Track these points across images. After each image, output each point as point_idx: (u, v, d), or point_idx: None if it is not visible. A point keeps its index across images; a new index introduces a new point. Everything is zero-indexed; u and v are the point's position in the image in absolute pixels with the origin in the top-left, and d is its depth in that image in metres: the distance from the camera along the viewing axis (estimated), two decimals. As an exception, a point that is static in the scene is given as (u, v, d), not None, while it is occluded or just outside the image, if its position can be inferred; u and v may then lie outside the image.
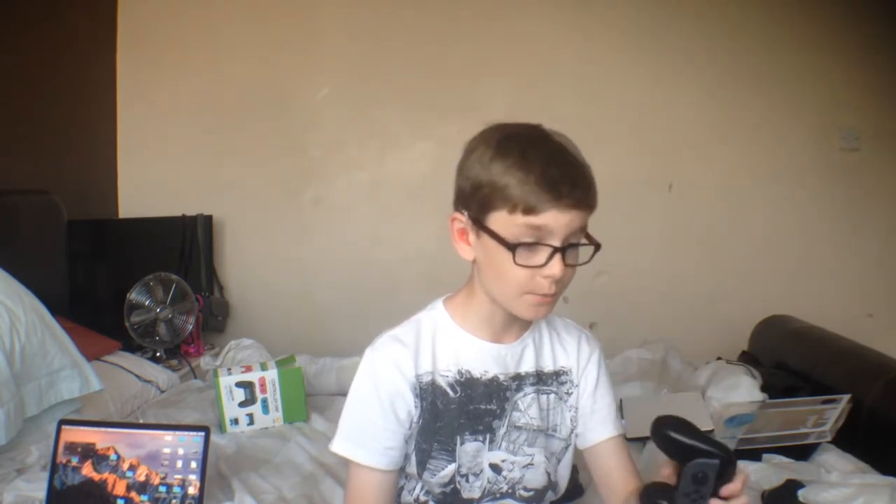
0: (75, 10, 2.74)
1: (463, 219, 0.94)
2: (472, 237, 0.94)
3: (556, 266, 0.88)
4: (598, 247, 0.93)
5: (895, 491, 1.27)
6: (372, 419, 0.97)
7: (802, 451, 1.55)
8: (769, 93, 2.82)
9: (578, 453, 1.10)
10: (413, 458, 1.00)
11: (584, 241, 0.92)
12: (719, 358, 2.23)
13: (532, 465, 1.03)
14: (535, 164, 0.87)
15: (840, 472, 1.44)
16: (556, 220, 0.87)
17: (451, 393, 0.98)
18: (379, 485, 0.97)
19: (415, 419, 0.98)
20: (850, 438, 1.58)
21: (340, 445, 0.98)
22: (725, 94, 2.84)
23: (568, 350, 1.06)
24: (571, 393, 1.06)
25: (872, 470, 1.45)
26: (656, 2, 2.83)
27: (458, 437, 0.99)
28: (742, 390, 1.84)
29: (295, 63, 2.90)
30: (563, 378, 1.05)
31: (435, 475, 1.00)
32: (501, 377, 1.01)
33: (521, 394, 1.02)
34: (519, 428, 1.02)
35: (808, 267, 2.85)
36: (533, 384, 1.02)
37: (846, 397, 1.55)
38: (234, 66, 2.90)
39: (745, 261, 2.86)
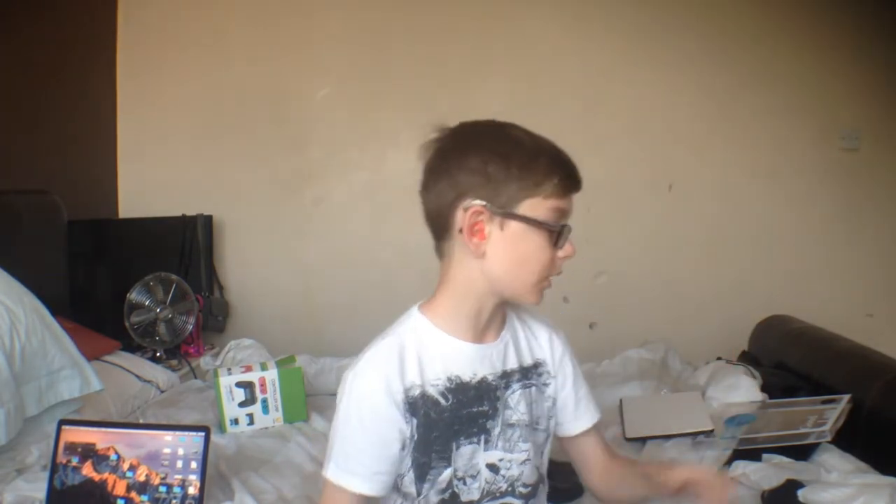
0: (75, 11, 2.74)
1: (484, 210, 0.92)
2: (489, 228, 0.93)
3: (570, 245, 0.95)
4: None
5: (895, 491, 1.27)
6: (359, 445, 0.95)
7: (802, 451, 1.55)
8: (769, 92, 2.81)
9: (578, 453, 1.12)
10: (411, 474, 0.97)
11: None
12: (719, 358, 2.23)
13: (528, 460, 1.03)
14: (545, 148, 0.95)
15: (840, 472, 1.44)
16: (571, 203, 0.96)
17: (442, 401, 0.97)
18: None
19: (408, 436, 0.95)
20: (850, 438, 1.57)
21: (334, 473, 0.96)
22: (725, 94, 2.83)
23: (541, 342, 1.08)
24: (549, 384, 1.07)
25: (872, 470, 1.45)
26: (656, 2, 2.83)
27: (454, 443, 0.98)
28: (742, 390, 1.85)
29: (295, 63, 2.90)
30: (540, 370, 1.07)
31: (433, 484, 0.98)
32: (490, 377, 1.00)
33: (510, 391, 1.02)
34: (512, 425, 1.02)
35: (808, 267, 2.85)
36: (519, 380, 1.03)
37: (846, 397, 1.55)
38: (234, 66, 2.90)
39: (744, 261, 2.86)
